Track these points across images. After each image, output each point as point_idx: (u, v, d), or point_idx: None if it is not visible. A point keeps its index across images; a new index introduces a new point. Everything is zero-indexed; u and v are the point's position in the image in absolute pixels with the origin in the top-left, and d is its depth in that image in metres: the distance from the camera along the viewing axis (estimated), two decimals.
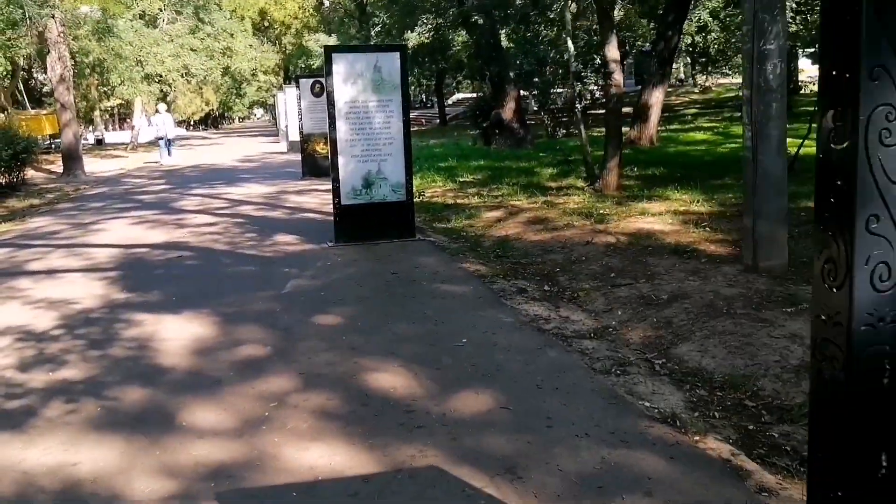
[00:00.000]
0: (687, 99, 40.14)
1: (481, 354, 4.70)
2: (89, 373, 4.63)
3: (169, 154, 23.98)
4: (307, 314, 5.77)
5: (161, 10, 28.95)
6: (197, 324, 5.60)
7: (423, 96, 65.14)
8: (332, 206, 8.61)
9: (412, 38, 30.10)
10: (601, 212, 9.28)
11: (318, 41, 32.38)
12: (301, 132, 16.37)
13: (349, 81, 8.31)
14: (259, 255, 8.22)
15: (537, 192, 11.40)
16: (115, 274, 7.54)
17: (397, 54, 8.43)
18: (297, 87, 16.38)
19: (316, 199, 12.81)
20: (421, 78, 39.05)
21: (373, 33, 34.98)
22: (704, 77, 43.57)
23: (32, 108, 31.72)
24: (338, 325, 5.50)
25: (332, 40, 32.42)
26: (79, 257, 8.53)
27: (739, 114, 22.55)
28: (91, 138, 39.62)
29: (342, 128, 8.35)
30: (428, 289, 6.45)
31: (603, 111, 12.86)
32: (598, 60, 15.11)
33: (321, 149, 16.26)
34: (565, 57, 15.11)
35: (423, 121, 44.98)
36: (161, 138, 23.97)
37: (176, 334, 5.35)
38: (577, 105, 11.55)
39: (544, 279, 6.63)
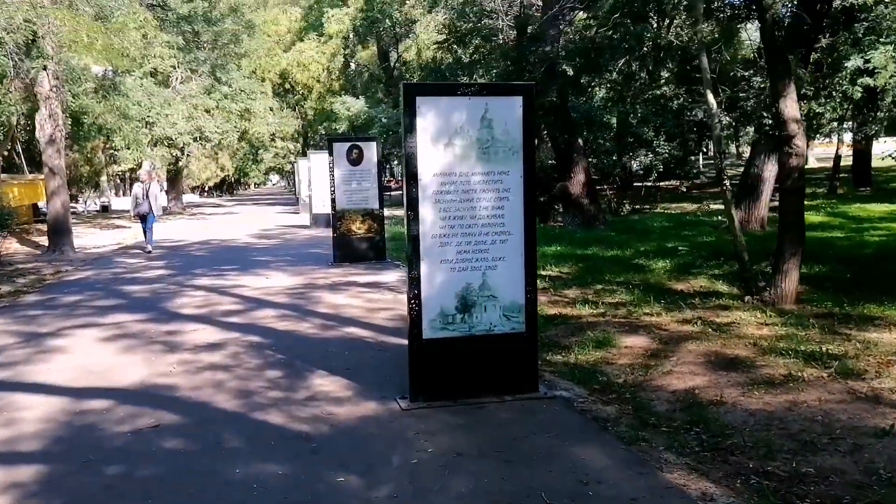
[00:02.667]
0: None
1: None
2: None
3: (149, 239, 16.62)
4: None
5: (174, 69, 26.39)
6: None
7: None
8: (386, 322, 5.31)
9: None
10: (822, 347, 5.96)
11: (344, 103, 29.77)
12: (333, 207, 13.22)
13: (441, 141, 5.13)
14: (287, 427, 4.88)
15: (670, 301, 8.13)
16: (29, 475, 4.21)
17: (519, 100, 5.24)
18: (329, 151, 13.33)
19: (358, 300, 9.53)
20: None
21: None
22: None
23: (31, 171, 28.99)
24: None
25: (360, 103, 29.82)
26: None
27: (838, 188, 19.26)
28: (96, 205, 36.96)
29: (428, 216, 5.13)
30: None
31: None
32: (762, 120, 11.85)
33: (358, 228, 13.10)
34: (694, 115, 11.98)
35: None
36: (142, 216, 16.35)
37: None
38: (725, 179, 8.29)
39: None
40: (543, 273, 10.70)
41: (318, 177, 21.30)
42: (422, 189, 5.10)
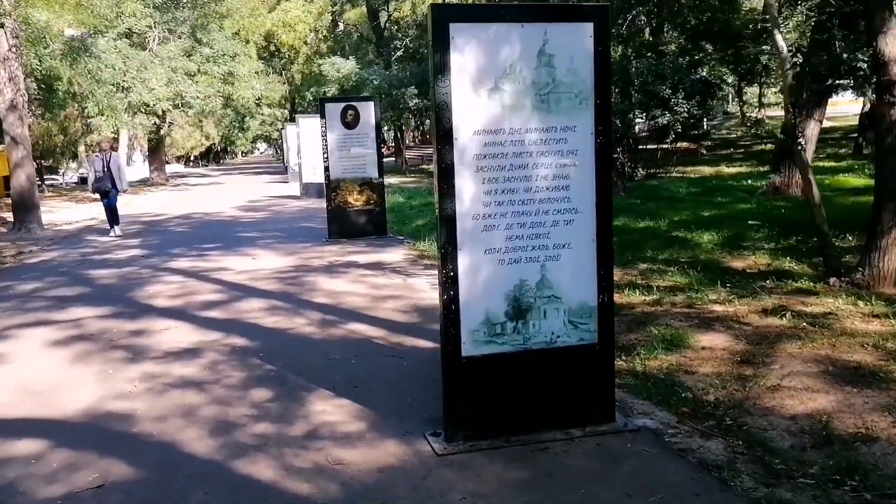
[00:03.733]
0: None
1: None
2: None
3: (113, 224, 13.98)
4: None
5: (151, 29, 24.57)
6: None
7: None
8: (397, 316, 3.96)
9: None
10: None
11: (334, 64, 28.04)
12: (327, 177, 11.76)
13: (484, 86, 3.72)
14: (280, 487, 3.53)
15: (736, 284, 6.82)
16: None
17: (589, 27, 3.81)
18: (321, 114, 11.83)
19: (360, 285, 8.14)
20: None
21: (393, 58, 30.67)
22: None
23: None
24: None
25: (351, 64, 28.11)
26: None
27: (864, 146, 17.78)
28: (73, 177, 35.23)
29: (467, 189, 3.74)
30: None
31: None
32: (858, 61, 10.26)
33: (355, 200, 11.66)
34: (762, 60, 10.52)
35: None
36: (102, 193, 13.62)
37: None
38: (801, 137, 6.89)
39: None
40: None
41: (308, 143, 19.79)
42: (458, 152, 3.70)
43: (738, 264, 7.92)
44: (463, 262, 3.76)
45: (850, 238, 8.47)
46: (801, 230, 9.10)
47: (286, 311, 7.04)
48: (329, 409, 4.42)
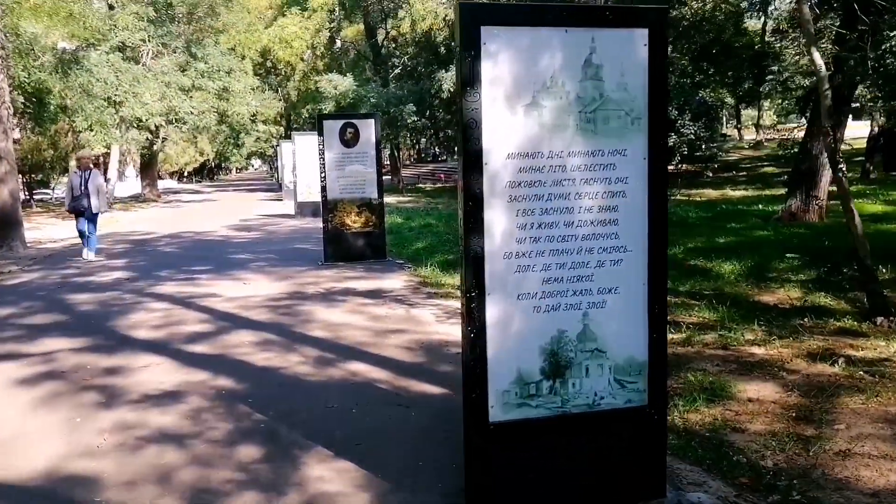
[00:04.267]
0: (738, 156, 35.52)
1: None
2: None
3: (89, 244, 12.84)
4: None
5: (145, 42, 24.05)
6: None
7: (435, 149, 60.82)
8: (402, 354, 3.39)
9: (447, 80, 25.33)
10: None
11: (331, 81, 27.54)
12: (324, 197, 11.17)
13: (521, 101, 3.15)
14: None
15: (771, 321, 6.25)
16: None
17: (643, 34, 3.23)
18: (319, 131, 11.25)
19: (360, 316, 7.53)
20: (448, 127, 34.17)
21: (391, 76, 30.23)
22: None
23: None
24: None
25: (348, 81, 27.62)
26: None
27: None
28: (63, 192, 34.57)
29: (499, 223, 3.15)
30: None
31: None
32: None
33: (353, 222, 11.06)
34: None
35: (442, 176, 40.23)
36: (79, 214, 12.54)
37: None
38: (841, 163, 6.34)
39: None
40: None
41: (304, 161, 19.25)
42: (488, 179, 3.11)
43: (767, 298, 7.34)
44: (492, 309, 3.16)
45: (884, 270, 7.91)
46: (827, 259, 8.56)
47: (279, 347, 6.41)
48: (327, 476, 3.79)
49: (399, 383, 5.28)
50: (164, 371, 5.78)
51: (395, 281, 9.61)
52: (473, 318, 3.15)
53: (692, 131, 17.19)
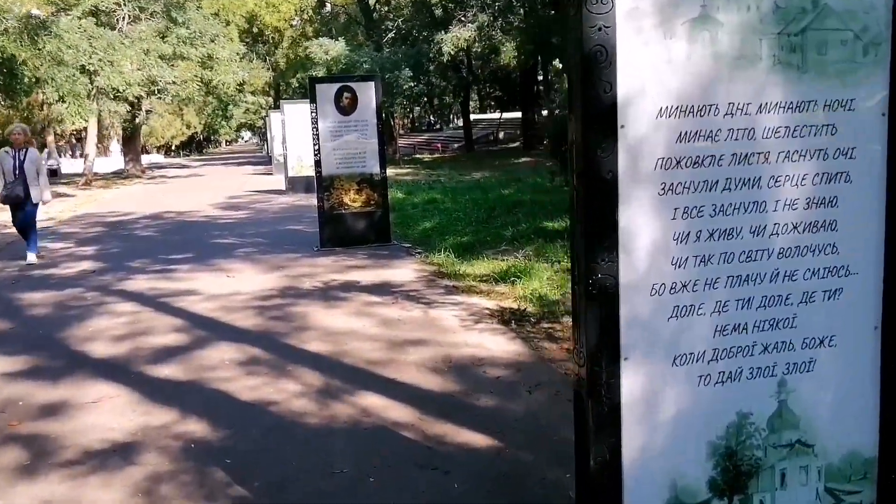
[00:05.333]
0: None
1: None
2: None
3: (28, 243, 10.01)
4: None
5: (120, 6, 22.33)
6: None
7: (430, 117, 59.21)
8: (426, 379, 2.75)
9: (447, 42, 23.73)
10: None
11: (322, 46, 25.88)
12: (318, 172, 9.74)
13: (679, 16, 1.70)
14: None
15: None
16: None
17: None
18: (311, 97, 9.77)
19: (367, 320, 6.17)
20: (445, 94, 32.59)
21: (385, 40, 28.61)
22: None
23: None
24: None
25: (340, 46, 25.95)
26: None
27: None
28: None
29: (643, 231, 1.73)
30: None
31: None
32: None
33: (353, 200, 9.66)
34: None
35: (439, 146, 38.71)
36: (14, 203, 9.71)
37: None
38: None
39: None
40: None
41: (294, 132, 17.78)
42: (627, 152, 1.74)
43: None
44: (631, 382, 1.80)
45: None
46: None
47: (268, 368, 5.05)
48: None
49: (428, 428, 3.93)
50: (118, 409, 4.42)
51: (405, 271, 8.24)
52: (598, 400, 1.78)
53: None
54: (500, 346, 5.29)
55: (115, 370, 5.16)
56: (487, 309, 6.35)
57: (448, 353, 5.19)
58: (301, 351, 5.42)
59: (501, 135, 40.28)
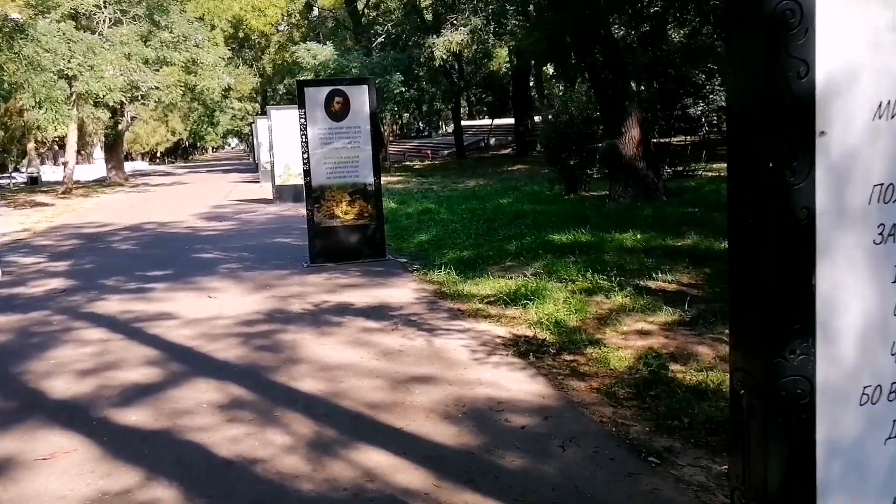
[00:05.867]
0: None
1: None
2: None
3: None
4: None
5: (100, 9, 21.56)
6: None
7: (419, 124, 58.62)
8: (439, 433, 1.44)
9: (439, 46, 23.09)
10: None
11: (309, 50, 25.19)
12: (307, 182, 9.06)
13: None
14: None
15: None
16: None
17: None
18: (300, 102, 9.09)
19: (365, 351, 5.48)
20: (435, 100, 31.95)
21: (374, 45, 27.98)
22: None
23: None
24: None
25: (329, 50, 25.28)
26: None
27: None
28: (22, 176, 32.15)
29: (854, 304, 1.01)
30: None
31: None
32: None
33: (345, 213, 8.99)
34: None
35: (429, 153, 38.11)
36: None
37: None
38: None
39: None
40: (653, 286, 6.75)
41: (282, 139, 17.07)
42: (829, 172, 1.02)
43: None
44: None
45: None
46: None
47: (252, 413, 4.35)
48: None
49: (447, 498, 3.24)
50: (73, 469, 3.71)
51: (403, 290, 7.56)
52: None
53: (721, 98, 15.14)
54: (519, 384, 4.61)
55: (74, 416, 4.45)
56: (499, 337, 5.68)
57: (460, 393, 4.51)
58: (291, 391, 4.72)
59: (492, 141, 39.69)
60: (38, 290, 8.54)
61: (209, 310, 7.04)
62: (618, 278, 7.02)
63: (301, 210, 15.55)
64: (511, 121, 42.47)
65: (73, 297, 8.01)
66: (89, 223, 15.65)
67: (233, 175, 33.88)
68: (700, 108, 15.32)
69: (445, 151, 38.10)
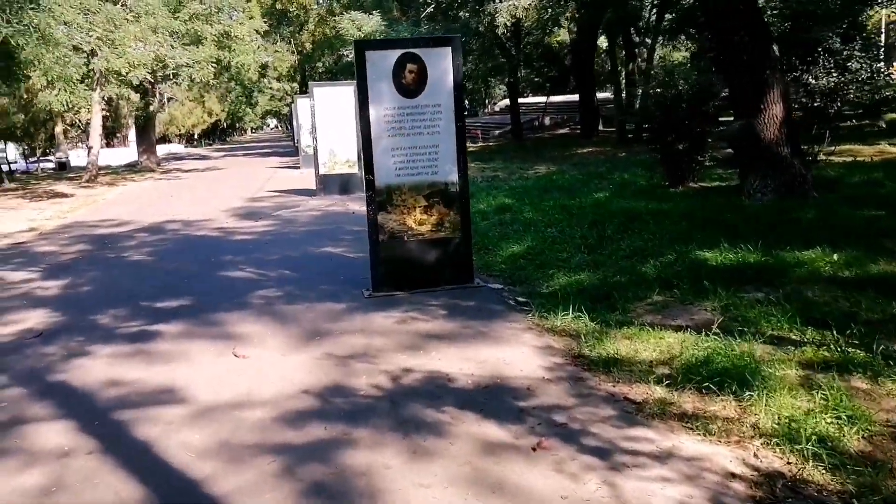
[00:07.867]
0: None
1: None
2: None
3: None
4: None
5: None
6: None
7: (465, 101, 55.81)
8: None
9: (502, 12, 20.43)
10: None
11: (354, 21, 22.71)
12: (369, 180, 6.58)
13: None
14: None
15: None
16: None
17: None
18: (358, 72, 6.59)
19: (499, 499, 2.96)
20: (491, 74, 29.26)
21: (423, 16, 25.40)
22: None
23: None
24: None
25: (375, 20, 22.76)
26: None
27: None
28: (51, 162, 30.40)
29: None
30: None
31: None
32: None
33: (419, 223, 6.58)
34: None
35: (479, 133, 35.42)
36: None
37: None
38: None
39: None
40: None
41: (325, 121, 14.64)
42: None
43: None
44: None
45: None
46: None
47: None
48: None
49: None
50: None
51: (520, 349, 5.07)
52: None
53: (862, 66, 12.32)
54: None
55: None
56: (732, 475, 3.18)
57: None
58: None
59: (547, 120, 36.86)
60: (6, 332, 6.26)
61: (234, 384, 4.66)
62: (862, 337, 4.47)
63: (350, 205, 13.19)
64: (566, 98, 39.55)
65: (47, 349, 5.71)
66: (105, 221, 13.45)
67: (272, 159, 31.66)
68: (833, 79, 12.51)
69: (497, 131, 35.39)
